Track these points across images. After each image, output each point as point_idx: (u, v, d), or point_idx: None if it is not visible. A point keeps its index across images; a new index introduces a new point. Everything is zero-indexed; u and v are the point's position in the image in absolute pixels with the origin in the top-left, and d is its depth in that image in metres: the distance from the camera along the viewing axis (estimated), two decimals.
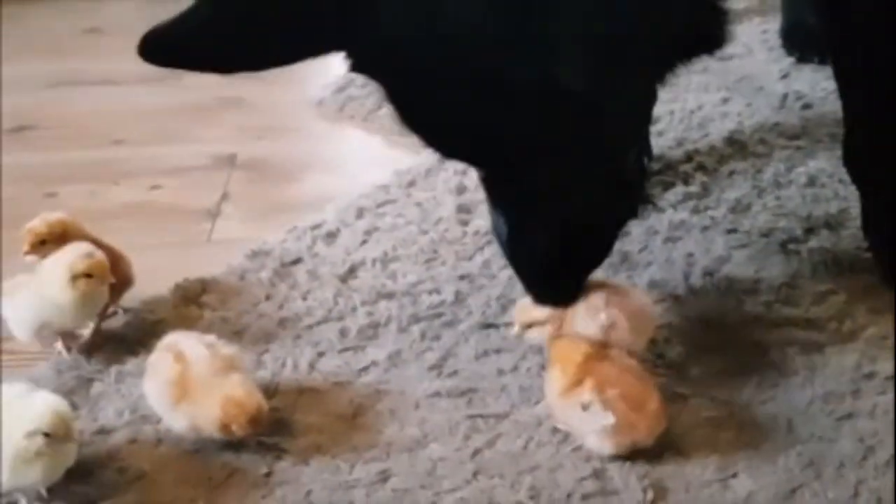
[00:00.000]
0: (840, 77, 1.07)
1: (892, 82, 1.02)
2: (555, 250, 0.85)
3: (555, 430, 0.83)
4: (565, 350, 0.84)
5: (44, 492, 0.76)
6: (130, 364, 0.93)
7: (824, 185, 1.22)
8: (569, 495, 0.77)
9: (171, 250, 1.17)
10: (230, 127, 1.49)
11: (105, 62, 1.71)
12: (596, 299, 0.86)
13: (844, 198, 1.19)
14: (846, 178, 1.23)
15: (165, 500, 0.77)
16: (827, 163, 1.28)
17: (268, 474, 0.80)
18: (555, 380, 0.82)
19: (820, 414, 0.85)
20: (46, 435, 0.73)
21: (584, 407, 0.79)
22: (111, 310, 1.01)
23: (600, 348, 0.83)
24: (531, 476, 0.79)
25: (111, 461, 0.81)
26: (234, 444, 0.83)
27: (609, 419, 0.78)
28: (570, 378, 0.81)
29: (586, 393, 0.79)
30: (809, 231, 1.12)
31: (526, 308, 0.90)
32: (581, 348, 0.83)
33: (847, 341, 0.94)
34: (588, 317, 0.86)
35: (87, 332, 0.97)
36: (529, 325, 0.89)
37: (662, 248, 1.11)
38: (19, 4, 1.91)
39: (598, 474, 0.79)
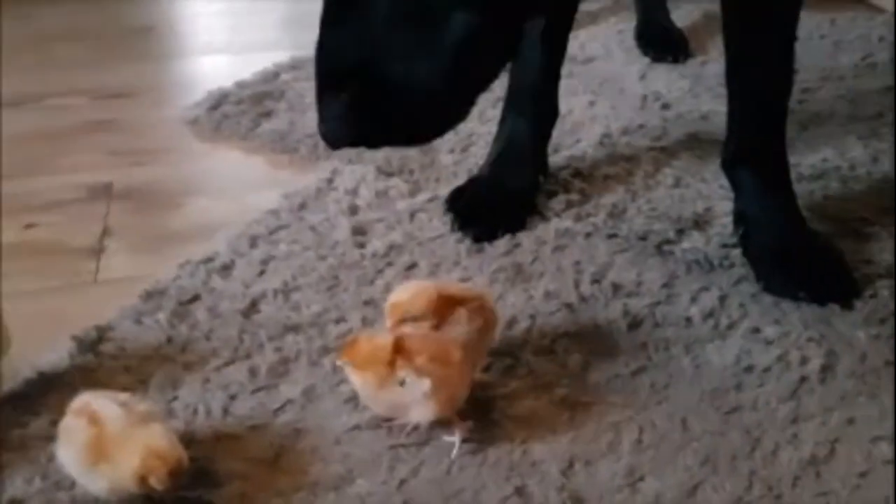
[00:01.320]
0: (731, 79, 1.15)
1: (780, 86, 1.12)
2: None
3: (475, 452, 0.87)
4: (368, 353, 0.87)
5: None
6: (34, 426, 0.89)
7: (689, 185, 1.33)
8: None
9: (57, 294, 1.12)
10: (103, 152, 1.43)
11: None
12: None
13: (707, 196, 1.30)
14: (707, 176, 1.35)
15: None
16: (689, 162, 1.39)
17: None
18: (369, 381, 0.87)
19: (709, 409, 0.94)
20: None
21: (401, 383, 0.85)
22: None
23: (396, 330, 0.90)
24: (457, 500, 0.83)
25: None
26: (155, 502, 0.81)
27: (426, 384, 0.84)
28: (382, 371, 0.86)
29: (400, 371, 0.85)
30: (681, 232, 1.22)
31: (398, 306, 0.93)
32: (381, 344, 0.87)
33: (725, 337, 1.04)
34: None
35: None
36: (402, 321, 0.92)
37: (552, 258, 1.17)
38: None
39: (519, 492, 0.84)
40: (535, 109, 1.30)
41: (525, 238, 1.21)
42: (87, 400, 0.83)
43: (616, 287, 1.12)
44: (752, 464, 0.87)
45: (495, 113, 1.44)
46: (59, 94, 1.60)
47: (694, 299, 1.10)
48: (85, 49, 1.82)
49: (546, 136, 1.33)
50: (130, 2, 2.09)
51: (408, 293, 0.94)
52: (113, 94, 1.61)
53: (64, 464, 0.81)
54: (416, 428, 0.88)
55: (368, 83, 0.81)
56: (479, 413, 0.92)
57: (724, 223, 1.23)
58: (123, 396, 0.85)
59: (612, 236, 1.21)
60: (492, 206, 1.25)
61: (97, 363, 0.98)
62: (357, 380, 0.88)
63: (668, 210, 1.27)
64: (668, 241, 1.20)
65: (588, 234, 1.22)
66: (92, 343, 1.01)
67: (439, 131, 0.88)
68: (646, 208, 1.27)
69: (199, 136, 1.48)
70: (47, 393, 0.93)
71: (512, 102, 1.31)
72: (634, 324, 1.06)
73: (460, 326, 0.92)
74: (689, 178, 1.35)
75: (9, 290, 1.10)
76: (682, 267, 1.16)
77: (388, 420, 0.89)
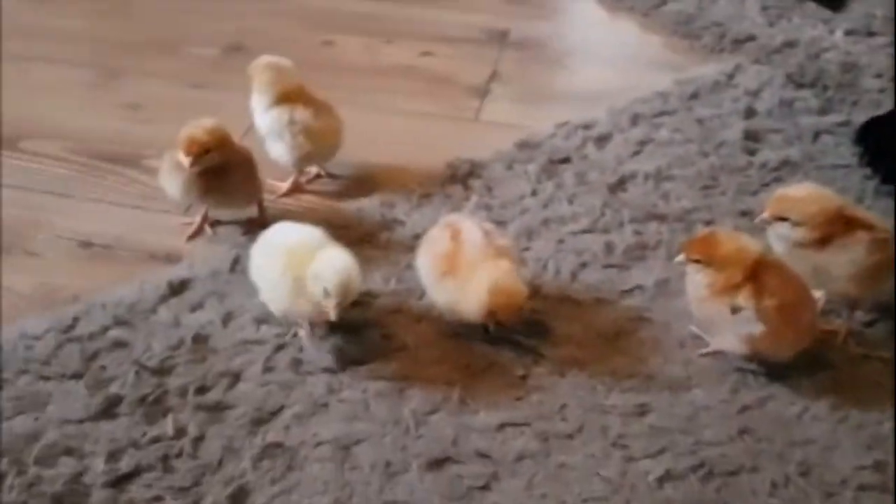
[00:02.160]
0: None
1: None
2: None
3: (835, 408, 0.76)
4: (728, 252, 0.76)
5: (308, 326, 0.80)
6: (398, 232, 0.94)
7: None
8: (843, 481, 0.71)
9: (438, 122, 1.15)
10: (506, 1, 1.43)
11: None
12: None
13: None
14: None
15: (424, 377, 0.79)
16: None
17: (524, 376, 0.79)
18: (711, 282, 0.76)
19: None
20: (326, 291, 0.75)
21: (734, 310, 0.75)
22: (315, 171, 1.02)
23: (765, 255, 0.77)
24: (802, 450, 0.73)
25: (375, 325, 0.83)
26: (491, 339, 0.82)
27: (757, 328, 0.74)
28: (733, 278, 0.75)
29: (742, 298, 0.75)
30: None
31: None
32: (747, 248, 0.77)
33: None
34: None
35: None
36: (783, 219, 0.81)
37: None
38: None
39: (877, 466, 0.72)
40: None
41: None
42: (457, 218, 0.85)
43: None
44: None
45: None
46: None
47: None
48: None
49: None
50: None
51: (801, 193, 0.82)
52: None
53: (419, 268, 0.84)
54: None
55: None
56: (853, 368, 0.80)
57: None
58: (489, 226, 0.85)
59: None
60: None
61: (464, 195, 1.00)
62: (699, 277, 0.78)
63: None
64: None
65: None
66: (464, 176, 1.03)
67: None
68: None
69: (602, 3, 1.42)
70: (415, 208, 0.97)
71: None
72: None
73: (850, 254, 0.79)
74: None
75: (396, 107, 1.17)
76: None
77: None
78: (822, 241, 0.80)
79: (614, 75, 1.26)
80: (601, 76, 1.26)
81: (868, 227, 0.81)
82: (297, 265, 0.77)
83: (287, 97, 0.97)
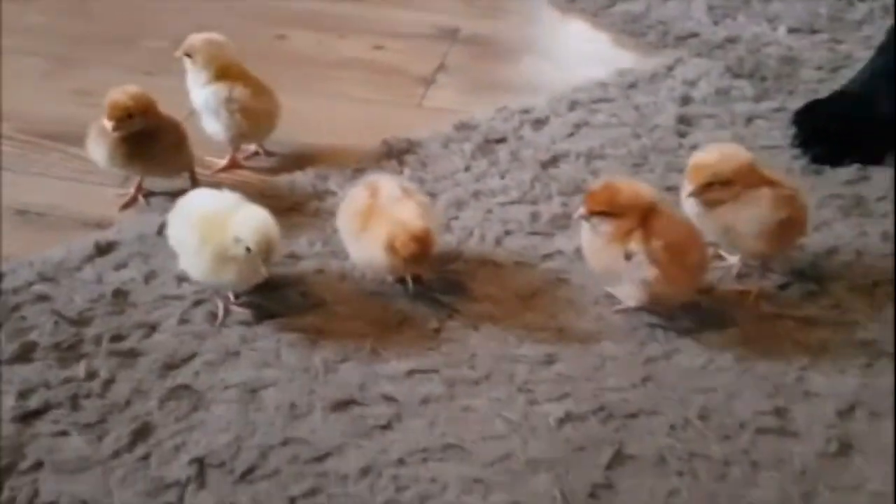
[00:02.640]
0: None
1: None
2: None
3: (742, 359, 0.78)
4: (628, 198, 0.78)
5: (231, 296, 0.81)
6: (329, 202, 0.96)
7: None
8: (742, 425, 0.72)
9: (384, 107, 1.18)
10: (459, 1, 1.47)
11: None
12: None
13: None
14: None
15: (338, 330, 0.80)
16: None
17: (437, 329, 0.81)
18: (606, 231, 0.78)
19: None
20: (248, 250, 0.76)
21: (627, 256, 0.77)
22: (254, 149, 1.04)
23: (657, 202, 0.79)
24: (705, 398, 0.74)
25: (296, 284, 0.85)
26: (409, 296, 0.84)
27: (650, 273, 0.76)
28: (624, 225, 0.77)
29: (633, 244, 0.76)
30: None
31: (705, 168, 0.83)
32: (644, 194, 0.79)
33: None
34: None
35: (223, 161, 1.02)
36: (709, 185, 0.82)
37: None
38: None
39: (779, 413, 0.73)
40: None
41: (878, 174, 1.03)
42: (377, 177, 0.87)
43: None
44: None
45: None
46: None
47: None
48: None
49: None
50: None
51: (716, 155, 0.84)
52: None
53: (339, 227, 0.86)
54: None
55: None
56: (762, 325, 0.81)
57: None
58: (409, 184, 0.87)
59: None
60: (847, 129, 1.07)
61: (399, 170, 1.03)
62: (602, 227, 0.79)
63: None
64: None
65: None
66: (400, 152, 1.05)
67: None
68: None
69: (554, 4, 1.46)
70: (349, 180, 0.99)
71: None
72: None
73: (757, 209, 0.81)
74: None
75: (348, 94, 1.20)
76: None
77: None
78: (734, 197, 0.82)
79: (560, 69, 1.29)
80: (547, 70, 1.29)
81: (773, 183, 0.83)
82: (215, 234, 0.78)
83: (225, 74, 1.00)
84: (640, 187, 0.80)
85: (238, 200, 0.81)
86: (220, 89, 0.99)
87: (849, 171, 1.03)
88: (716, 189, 0.83)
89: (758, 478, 0.68)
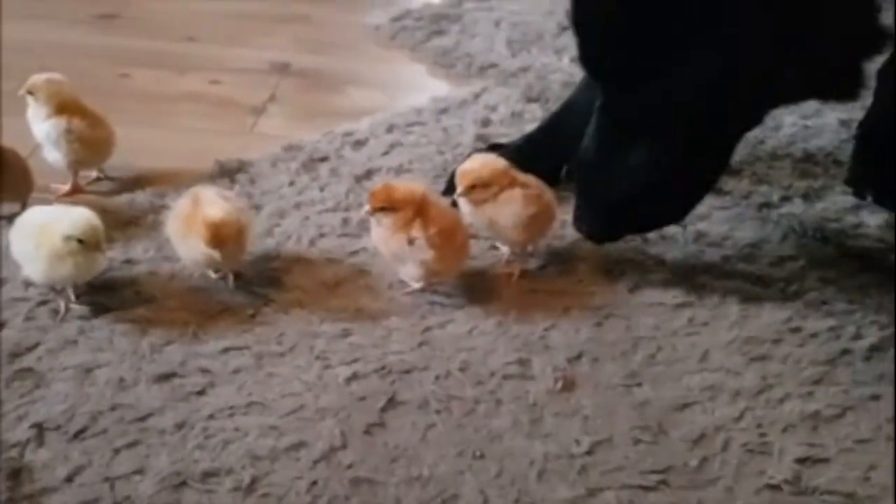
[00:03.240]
0: None
1: None
2: (632, 190, 0.96)
3: (501, 324, 0.97)
4: (403, 195, 0.98)
5: (71, 294, 0.94)
6: (164, 216, 1.10)
7: (818, 163, 1.30)
8: (492, 373, 0.91)
9: (217, 136, 1.34)
10: (291, 38, 1.65)
11: None
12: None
13: (833, 176, 1.26)
14: (843, 157, 1.30)
15: (166, 320, 0.95)
16: (828, 142, 1.35)
17: (252, 315, 0.96)
18: (393, 223, 0.97)
19: (736, 353, 0.96)
20: (80, 241, 0.90)
21: (410, 241, 0.96)
22: (95, 175, 1.18)
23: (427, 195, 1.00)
24: (466, 354, 0.93)
25: (131, 284, 0.99)
26: (230, 289, 0.99)
27: (429, 255, 0.95)
28: (404, 217, 0.96)
29: (415, 231, 0.96)
30: (785, 199, 1.21)
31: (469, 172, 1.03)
32: (415, 189, 0.99)
33: (787, 300, 1.04)
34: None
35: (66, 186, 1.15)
36: (473, 187, 1.02)
37: None
38: None
39: (522, 362, 0.92)
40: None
41: None
42: (200, 188, 1.02)
43: (700, 235, 1.14)
44: (752, 402, 0.89)
45: None
46: None
47: (773, 263, 1.10)
48: None
49: None
50: None
51: (478, 162, 1.04)
52: None
53: (169, 238, 1.01)
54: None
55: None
56: (521, 298, 1.01)
57: (834, 200, 1.20)
58: (230, 193, 1.02)
59: (716, 191, 1.23)
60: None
61: (229, 187, 1.18)
62: (385, 220, 0.98)
63: (781, 178, 1.26)
64: (770, 205, 1.20)
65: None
66: (231, 170, 1.21)
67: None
68: (761, 171, 1.27)
69: (376, 41, 1.65)
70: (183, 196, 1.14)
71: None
72: (704, 269, 1.09)
73: (512, 206, 1.01)
74: (821, 156, 1.31)
75: (186, 125, 1.35)
76: (777, 233, 1.16)
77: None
78: (494, 196, 1.02)
79: (382, 97, 1.48)
80: (370, 98, 1.48)
81: (524, 184, 1.04)
82: (49, 237, 0.91)
83: (64, 109, 1.13)
84: (412, 185, 0.99)
85: (66, 209, 0.95)
86: (60, 122, 1.13)
87: None
88: (478, 190, 1.03)
89: (499, 411, 0.86)
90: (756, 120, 1.01)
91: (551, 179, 1.11)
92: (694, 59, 0.89)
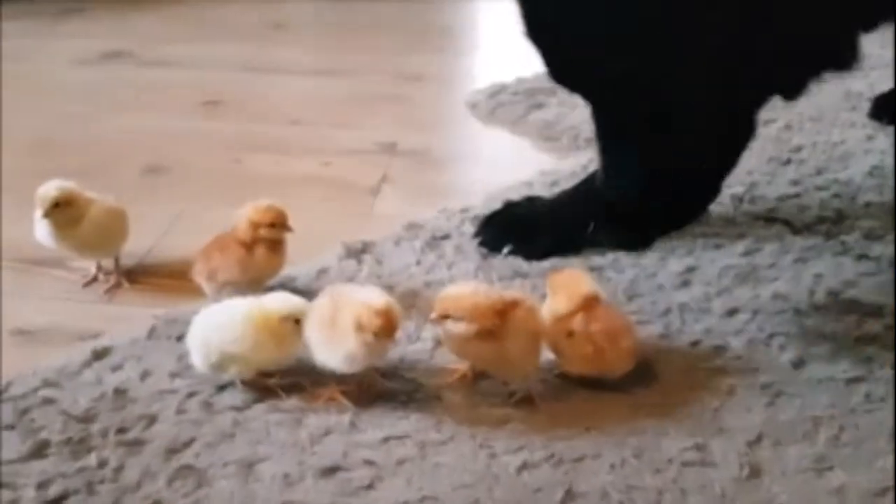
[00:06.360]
0: None
1: None
2: (650, 190, 0.94)
3: (664, 404, 0.91)
4: (568, 282, 0.96)
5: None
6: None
7: None
8: (670, 460, 0.85)
9: (338, 219, 1.32)
10: (393, 118, 1.65)
11: (285, 53, 1.95)
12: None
13: None
14: None
15: (320, 409, 0.91)
16: None
17: (404, 402, 0.92)
18: (555, 304, 0.95)
19: None
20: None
21: (570, 334, 0.92)
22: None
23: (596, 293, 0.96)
24: (637, 438, 0.87)
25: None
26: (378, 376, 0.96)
27: (587, 349, 0.91)
28: (569, 306, 0.93)
29: (577, 322, 0.92)
30: None
31: (448, 299, 0.93)
32: (583, 286, 0.95)
33: None
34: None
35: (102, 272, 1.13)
36: (446, 317, 0.92)
37: (792, 266, 1.16)
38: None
39: (699, 447, 0.87)
40: None
41: (768, 244, 1.21)
42: (338, 286, 0.98)
43: (854, 303, 1.09)
44: None
45: (763, 131, 1.46)
46: (368, 71, 1.88)
47: None
48: (394, 40, 2.09)
49: None
50: (433, 4, 2.35)
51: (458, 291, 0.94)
52: (411, 76, 1.85)
53: (309, 343, 0.92)
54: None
55: None
56: (681, 373, 0.96)
57: None
58: (374, 288, 0.97)
59: (862, 257, 1.18)
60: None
61: (357, 268, 1.16)
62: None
63: None
64: None
65: (837, 253, 1.19)
66: (357, 251, 1.19)
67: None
68: None
69: (476, 117, 1.65)
70: (314, 280, 1.12)
71: None
72: (864, 338, 1.03)
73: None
74: None
75: (301, 211, 1.33)
76: None
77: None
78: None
79: (489, 173, 1.47)
80: (478, 174, 1.47)
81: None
82: None
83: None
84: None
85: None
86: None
87: (745, 245, 1.21)
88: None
89: (686, 502, 0.80)
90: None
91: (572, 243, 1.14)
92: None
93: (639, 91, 0.90)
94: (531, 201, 1.28)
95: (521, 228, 1.21)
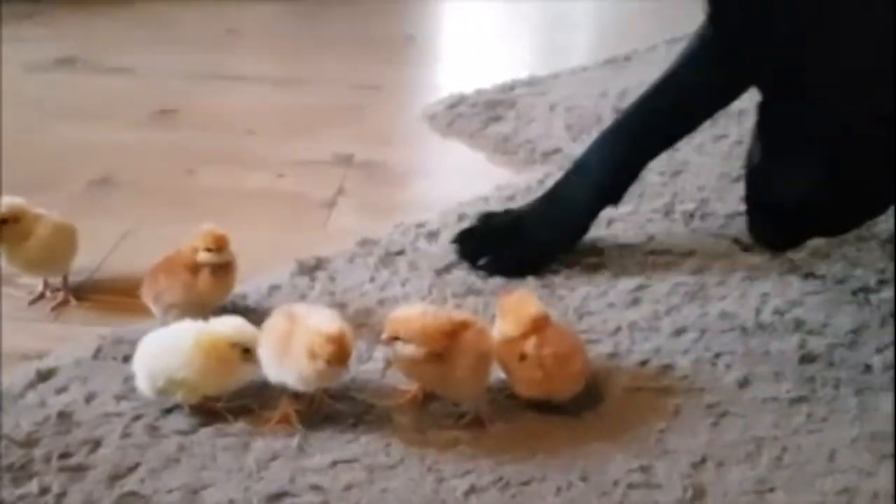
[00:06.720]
0: None
1: None
2: (808, 191, 0.87)
3: (611, 427, 0.93)
4: (517, 305, 0.96)
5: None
6: (250, 318, 1.07)
7: None
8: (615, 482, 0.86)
9: (291, 233, 1.31)
10: (351, 130, 1.65)
11: (241, 61, 1.93)
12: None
13: None
14: None
15: (267, 433, 0.90)
16: None
17: (354, 424, 0.92)
18: (505, 326, 0.95)
19: (864, 450, 0.91)
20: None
21: (522, 357, 0.92)
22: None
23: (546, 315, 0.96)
24: (584, 461, 0.88)
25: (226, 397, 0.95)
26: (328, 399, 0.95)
27: (537, 373, 0.91)
28: (518, 329, 0.93)
29: (528, 346, 0.92)
30: (882, 282, 1.17)
31: (397, 320, 0.92)
32: (532, 308, 0.95)
33: None
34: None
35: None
36: (396, 338, 0.91)
37: (739, 285, 1.18)
38: (172, 4, 2.18)
39: (644, 469, 0.88)
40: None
41: (717, 262, 1.23)
42: (293, 305, 0.98)
43: (798, 322, 1.11)
44: None
45: (715, 147, 1.48)
46: (325, 80, 1.87)
47: (880, 350, 1.06)
48: (353, 49, 2.08)
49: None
50: (396, 13, 2.35)
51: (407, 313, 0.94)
52: (369, 86, 1.84)
53: (262, 361, 0.92)
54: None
55: None
56: (628, 394, 0.97)
57: None
58: (329, 311, 0.96)
59: (808, 275, 1.20)
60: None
61: (310, 285, 1.16)
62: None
63: (875, 260, 1.23)
64: (867, 290, 1.17)
65: (784, 272, 1.21)
66: (310, 268, 1.19)
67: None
68: (852, 255, 1.24)
69: (434, 129, 1.65)
70: (265, 299, 1.11)
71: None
72: (807, 358, 1.05)
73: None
74: None
75: (254, 225, 1.32)
76: (876, 317, 1.12)
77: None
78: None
79: (446, 186, 1.47)
80: (434, 188, 1.47)
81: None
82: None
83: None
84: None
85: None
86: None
87: (692, 263, 1.23)
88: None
89: None
90: None
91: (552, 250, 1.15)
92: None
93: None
94: (508, 213, 1.29)
95: (498, 240, 1.22)
